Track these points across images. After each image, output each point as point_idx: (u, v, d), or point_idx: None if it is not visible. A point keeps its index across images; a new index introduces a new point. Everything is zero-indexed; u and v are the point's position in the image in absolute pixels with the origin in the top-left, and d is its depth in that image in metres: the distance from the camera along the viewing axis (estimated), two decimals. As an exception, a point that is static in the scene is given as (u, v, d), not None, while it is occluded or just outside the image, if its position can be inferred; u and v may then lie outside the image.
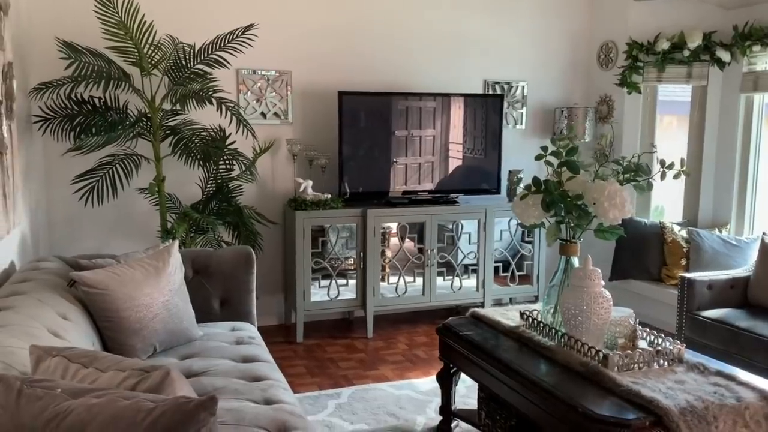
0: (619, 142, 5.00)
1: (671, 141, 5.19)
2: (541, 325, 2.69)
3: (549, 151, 2.53)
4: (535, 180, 2.58)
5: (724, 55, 4.62)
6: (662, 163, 2.56)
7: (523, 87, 5.19)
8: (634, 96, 4.94)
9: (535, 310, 2.88)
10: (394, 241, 4.70)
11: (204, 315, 3.06)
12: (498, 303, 4.89)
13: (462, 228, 4.77)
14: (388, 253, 4.69)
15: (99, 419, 1.20)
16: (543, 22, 5.19)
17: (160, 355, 2.63)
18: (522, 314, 2.85)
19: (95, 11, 3.47)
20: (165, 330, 2.62)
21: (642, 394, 2.09)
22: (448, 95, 4.72)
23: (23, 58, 3.48)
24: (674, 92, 5.15)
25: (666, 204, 5.40)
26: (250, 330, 3.03)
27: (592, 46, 5.29)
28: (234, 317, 3.17)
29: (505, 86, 5.13)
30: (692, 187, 4.99)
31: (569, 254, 2.71)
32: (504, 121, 5.06)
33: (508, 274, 4.89)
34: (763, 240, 3.79)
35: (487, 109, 4.83)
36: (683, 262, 4.54)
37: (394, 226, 4.63)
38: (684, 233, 4.61)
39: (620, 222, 2.55)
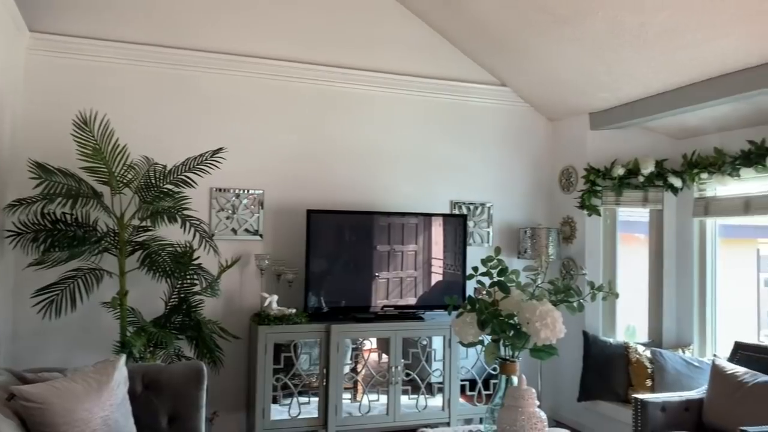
0: (582, 262, 5.12)
1: (636, 259, 5.31)
2: (481, 446, 2.69)
3: (479, 271, 2.64)
4: (470, 299, 2.67)
5: (676, 181, 4.85)
6: (591, 285, 2.67)
7: (489, 207, 5.40)
8: (594, 217, 5.11)
9: (481, 430, 2.88)
10: (370, 356, 4.73)
11: (151, 432, 3.04)
12: (467, 422, 4.80)
13: (430, 345, 4.79)
14: (359, 369, 4.68)
15: None
16: (507, 148, 5.48)
17: (95, 472, 2.60)
18: (465, 435, 2.85)
19: (73, 135, 3.71)
20: (102, 446, 2.61)
21: None
22: (408, 214, 4.90)
23: (1, 178, 3.68)
24: (637, 212, 5.33)
25: (637, 324, 5.44)
26: (194, 448, 3.00)
27: (554, 171, 5.55)
28: (181, 435, 3.14)
29: (471, 206, 5.34)
30: (655, 307, 5.05)
31: (508, 373, 2.75)
32: (471, 240, 5.24)
33: (475, 393, 4.84)
34: (714, 363, 3.82)
35: (455, 228, 4.99)
36: (648, 383, 4.52)
37: (368, 343, 4.66)
38: (648, 354, 4.62)
39: (553, 342, 2.62)
